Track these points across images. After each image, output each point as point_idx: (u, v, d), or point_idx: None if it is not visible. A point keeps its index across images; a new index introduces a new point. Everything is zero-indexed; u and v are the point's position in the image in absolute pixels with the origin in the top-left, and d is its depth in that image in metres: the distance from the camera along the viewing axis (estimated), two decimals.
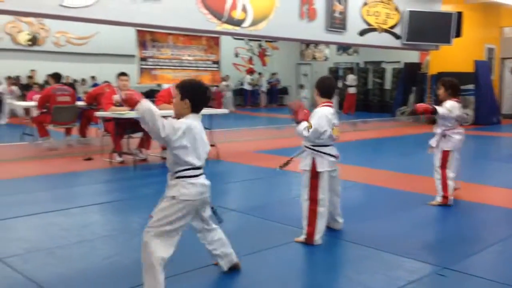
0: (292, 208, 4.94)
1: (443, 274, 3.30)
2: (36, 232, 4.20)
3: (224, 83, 19.84)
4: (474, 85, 13.86)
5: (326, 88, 3.94)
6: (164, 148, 7.86)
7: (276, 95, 22.71)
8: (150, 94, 15.48)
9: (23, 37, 16.25)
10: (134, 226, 4.46)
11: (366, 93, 19.77)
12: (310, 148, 3.86)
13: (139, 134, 7.82)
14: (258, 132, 11.30)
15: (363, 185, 6.08)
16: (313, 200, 3.83)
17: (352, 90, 18.11)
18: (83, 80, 17.36)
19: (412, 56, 17.83)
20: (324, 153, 3.81)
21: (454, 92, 5.19)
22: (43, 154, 8.16)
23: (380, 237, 4.06)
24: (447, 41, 12.64)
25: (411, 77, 15.84)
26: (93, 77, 17.41)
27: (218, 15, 8.98)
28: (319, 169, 3.80)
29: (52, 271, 3.32)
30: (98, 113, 7.80)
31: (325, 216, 3.86)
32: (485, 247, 3.85)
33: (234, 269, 3.25)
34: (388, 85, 19.47)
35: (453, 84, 5.21)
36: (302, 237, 3.88)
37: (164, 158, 7.88)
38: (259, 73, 22.19)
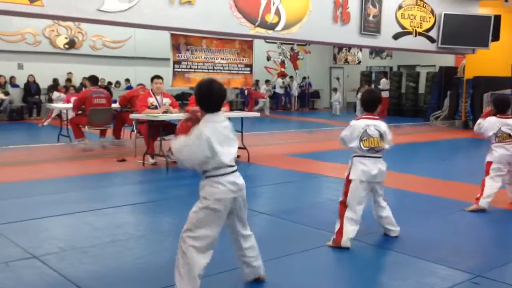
0: (323, 212, 4.92)
1: (476, 282, 3.22)
2: (70, 231, 4.31)
3: (265, 87, 19.94)
4: (511, 90, 13.45)
5: (367, 102, 4.10)
6: None
7: (308, 98, 22.63)
8: (182, 97, 15.73)
9: (61, 41, 16.70)
10: (166, 227, 4.52)
11: (400, 97, 19.46)
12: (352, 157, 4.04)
13: (172, 136, 7.92)
14: (289, 135, 11.28)
15: (396, 190, 5.98)
16: (343, 204, 3.95)
17: (385, 94, 17.86)
18: (117, 83, 17.72)
19: (448, 60, 17.48)
20: (359, 162, 3.93)
21: (499, 109, 5.23)
22: (78, 155, 8.36)
23: (414, 243, 3.99)
24: (485, 44, 12.34)
25: (446, 81, 15.51)
26: (127, 80, 17.75)
27: (251, 19, 9.02)
28: (350, 176, 3.93)
29: (87, 270, 3.40)
30: (132, 115, 7.94)
31: (353, 221, 3.87)
32: None
33: (257, 281, 3.15)
34: (422, 89, 19.11)
35: (497, 100, 5.30)
36: (331, 240, 3.88)
37: None
38: (290, 77, 22.17)
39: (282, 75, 22.20)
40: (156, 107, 7.59)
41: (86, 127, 8.87)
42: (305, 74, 22.79)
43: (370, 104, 4.04)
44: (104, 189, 6.11)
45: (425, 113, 16.22)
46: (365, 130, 3.89)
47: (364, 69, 21.88)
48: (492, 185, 5.00)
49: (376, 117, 4.02)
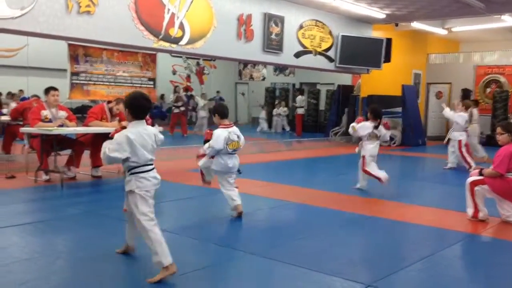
0: (226, 227, 4.92)
1: None
2: None
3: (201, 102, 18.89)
4: (401, 108, 14.50)
5: (223, 112, 5.28)
6: (94, 166, 7.59)
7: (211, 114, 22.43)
8: (82, 110, 15.03)
9: None
10: (57, 248, 4.24)
11: None
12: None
13: (67, 151, 7.52)
14: (192, 150, 11.15)
15: (294, 204, 6.14)
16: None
17: (300, 111, 18.35)
18: (9, 94, 16.53)
19: (345, 79, 18.47)
20: (220, 158, 5.28)
21: (372, 116, 6.89)
22: None
23: (309, 255, 4.09)
24: (378, 65, 13.20)
25: (344, 98, 16.37)
26: (21, 91, 16.63)
27: (155, 32, 8.90)
28: (214, 167, 5.38)
29: None
30: (23, 129, 7.44)
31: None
32: (409, 264, 3.98)
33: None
34: (322, 106, 19.98)
35: (372, 109, 6.92)
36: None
37: (95, 177, 7.63)
38: (191, 95, 21.70)
39: (186, 89, 22.02)
40: (50, 121, 7.17)
41: None
42: (211, 89, 22.79)
43: (225, 113, 5.24)
44: None
45: (325, 129, 16.96)
46: (229, 137, 5.10)
47: (268, 85, 22.44)
48: (373, 169, 6.85)
49: (231, 124, 5.23)
